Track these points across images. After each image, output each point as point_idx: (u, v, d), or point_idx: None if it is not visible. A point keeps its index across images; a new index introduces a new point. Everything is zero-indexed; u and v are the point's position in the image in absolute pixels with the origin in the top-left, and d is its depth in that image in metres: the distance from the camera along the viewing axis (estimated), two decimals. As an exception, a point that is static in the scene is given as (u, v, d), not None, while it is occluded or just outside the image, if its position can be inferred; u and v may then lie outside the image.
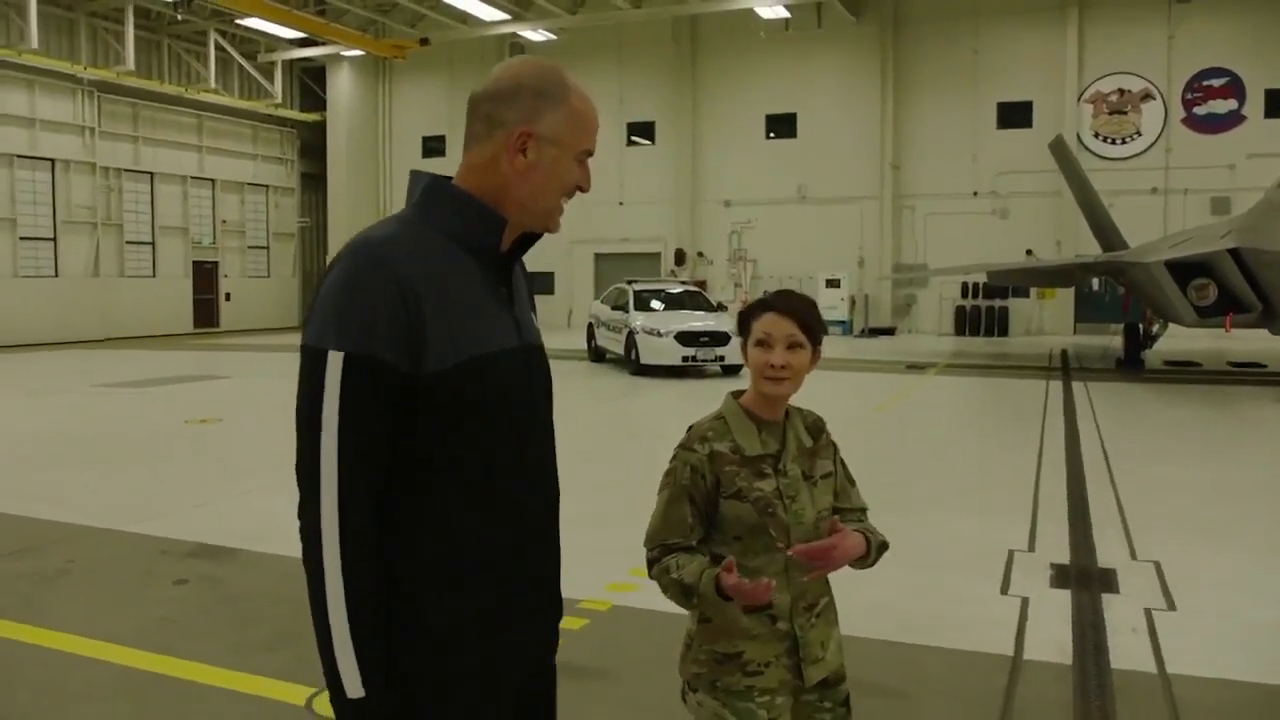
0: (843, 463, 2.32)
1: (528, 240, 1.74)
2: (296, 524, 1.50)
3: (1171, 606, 5.09)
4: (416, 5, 27.87)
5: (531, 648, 1.73)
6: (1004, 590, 5.31)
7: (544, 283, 33.74)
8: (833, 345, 23.02)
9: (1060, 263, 21.51)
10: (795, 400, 2.21)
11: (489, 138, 1.64)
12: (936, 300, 28.94)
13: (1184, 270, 14.19)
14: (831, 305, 28.57)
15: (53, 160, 23.90)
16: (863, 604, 4.86)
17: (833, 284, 28.49)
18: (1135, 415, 12.37)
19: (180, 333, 27.35)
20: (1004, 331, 27.86)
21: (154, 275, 27.18)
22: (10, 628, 4.59)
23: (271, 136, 31.52)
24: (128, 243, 26.26)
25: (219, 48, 27.80)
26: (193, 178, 28.28)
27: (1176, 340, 22.31)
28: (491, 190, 1.64)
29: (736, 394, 2.24)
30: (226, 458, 9.18)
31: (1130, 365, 18.36)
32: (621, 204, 32.26)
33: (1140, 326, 19.10)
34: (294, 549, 1.47)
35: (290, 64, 31.61)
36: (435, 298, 1.54)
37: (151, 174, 26.89)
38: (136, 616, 4.77)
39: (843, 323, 28.41)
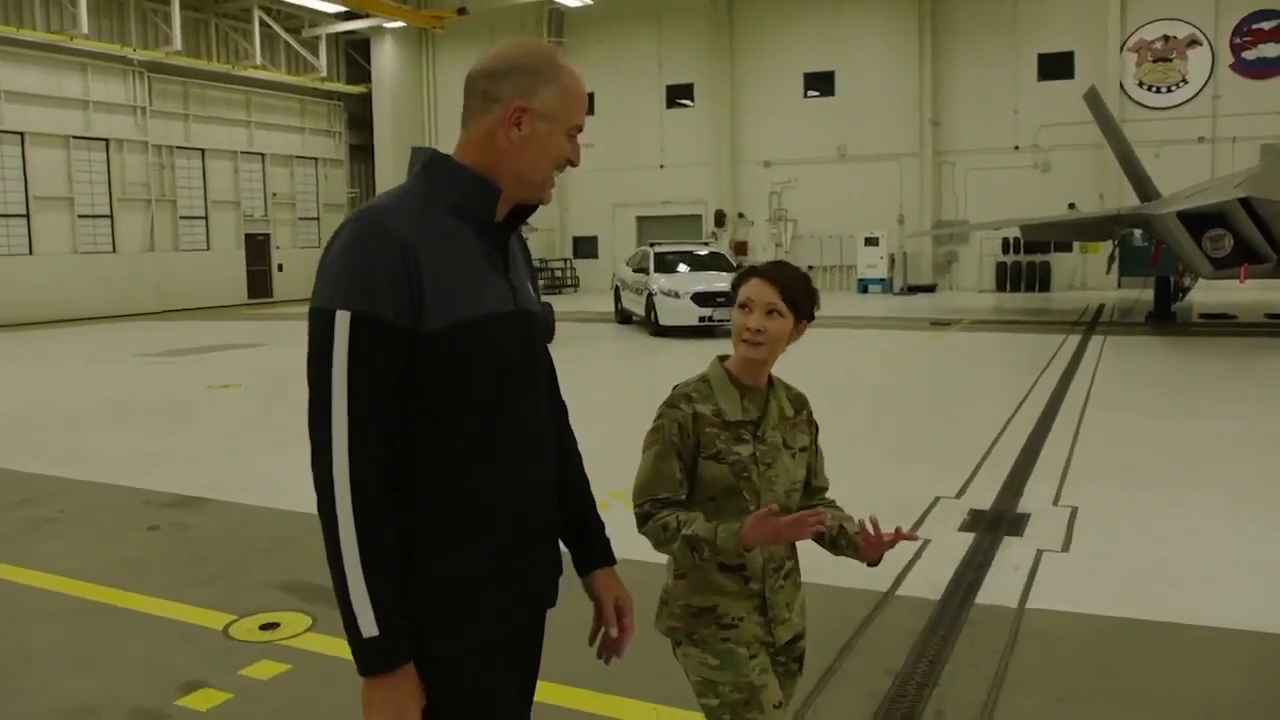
0: (818, 443, 2.40)
1: (521, 213, 1.83)
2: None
3: (1065, 548, 5.34)
4: (452, -25, 28.24)
5: (532, 595, 1.82)
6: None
7: (588, 247, 34.15)
8: (867, 303, 23.21)
9: (1088, 215, 21.14)
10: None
11: (486, 112, 1.73)
12: (977, 256, 28.66)
13: (1200, 221, 14.03)
14: (871, 263, 28.54)
15: (107, 140, 24.89)
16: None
17: (871, 242, 28.38)
18: (1138, 368, 12.37)
19: (235, 304, 28.36)
20: (1045, 287, 27.51)
21: (208, 248, 28.17)
22: (-6, 566, 5.18)
23: (319, 110, 32.26)
24: (181, 217, 27.24)
25: (263, 24, 28.51)
26: (243, 152, 29.14)
27: (1220, 293, 21.91)
28: (488, 163, 1.73)
29: (723, 358, 2.29)
30: (233, 419, 9.79)
31: (1160, 319, 18.12)
32: (663, 167, 32.45)
33: (1171, 279, 18.83)
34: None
35: (335, 38, 32.24)
36: (433, 261, 1.62)
37: (202, 150, 27.80)
38: (103, 557, 5.33)
39: (882, 280, 28.32)
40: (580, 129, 1.79)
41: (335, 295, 1.58)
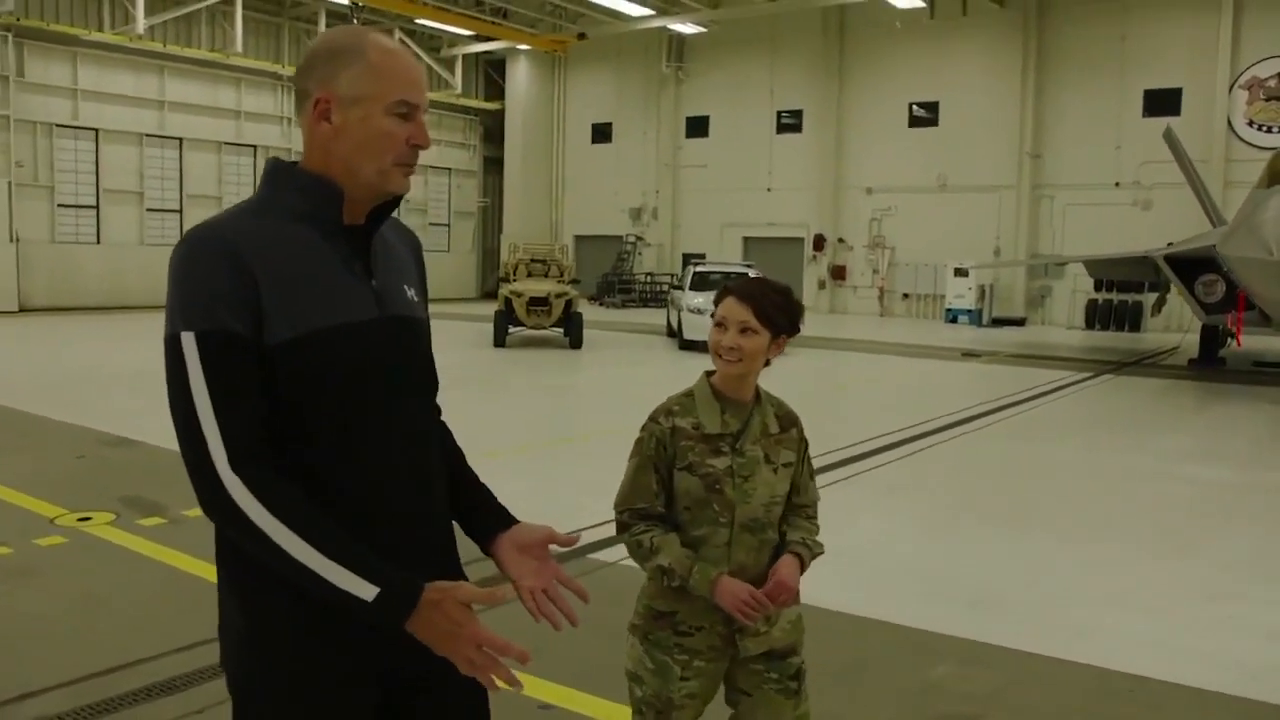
0: (809, 460, 2.44)
1: (384, 210, 1.73)
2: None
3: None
4: (574, 4, 30.23)
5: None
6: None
7: (697, 263, 35.52)
8: (938, 332, 23.45)
9: (1131, 254, 20.62)
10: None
11: (302, 113, 1.65)
12: (1070, 293, 28.34)
13: (1194, 265, 14.13)
14: (959, 294, 28.62)
15: (255, 146, 28.16)
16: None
17: (960, 273, 28.47)
18: (1108, 407, 12.73)
19: (363, 298, 31.23)
20: (1136, 326, 26.93)
21: (341, 246, 31.17)
22: (-48, 473, 7.12)
23: (455, 124, 34.99)
24: (319, 218, 30.33)
25: (404, 44, 31.30)
26: (380, 161, 32.06)
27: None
28: (321, 164, 1.64)
29: (710, 373, 2.36)
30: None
31: (1205, 364, 17.83)
32: (770, 190, 33.47)
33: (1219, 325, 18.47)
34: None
35: (474, 57, 34.92)
36: (271, 273, 1.55)
37: (342, 158, 30.82)
38: (28, 472, 7.19)
39: (970, 312, 28.32)
40: (409, 104, 1.65)
41: (177, 320, 1.55)
